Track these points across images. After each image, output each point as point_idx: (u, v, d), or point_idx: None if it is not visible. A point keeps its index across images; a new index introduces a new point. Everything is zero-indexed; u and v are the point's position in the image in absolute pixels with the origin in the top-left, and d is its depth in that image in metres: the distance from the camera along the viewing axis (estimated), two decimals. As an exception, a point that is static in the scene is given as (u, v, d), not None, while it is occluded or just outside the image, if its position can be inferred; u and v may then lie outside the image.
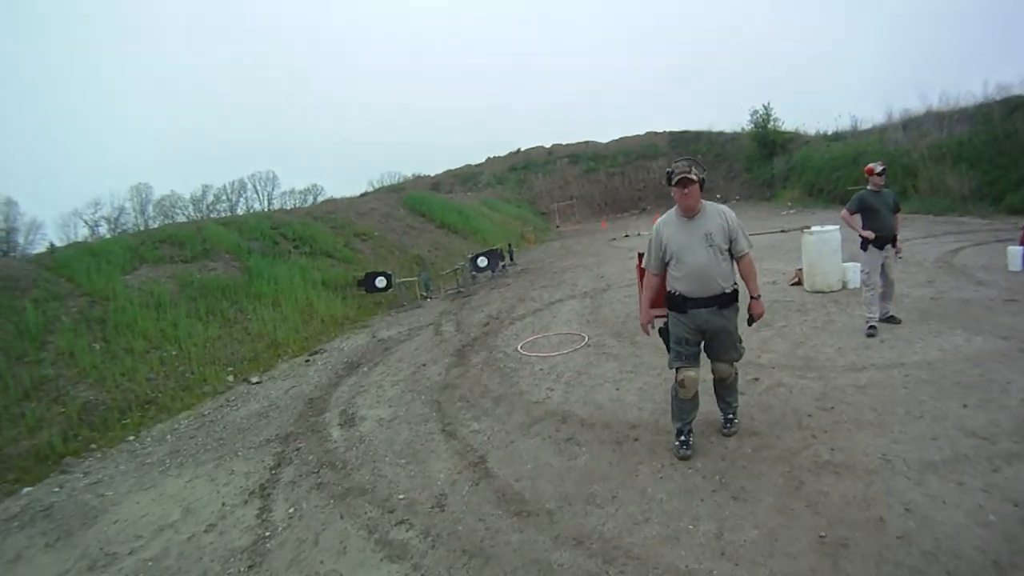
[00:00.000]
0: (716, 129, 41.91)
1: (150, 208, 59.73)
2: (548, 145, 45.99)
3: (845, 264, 9.61)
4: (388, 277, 14.70)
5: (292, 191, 68.12)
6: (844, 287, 9.62)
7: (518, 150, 46.85)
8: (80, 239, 28.67)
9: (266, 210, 47.18)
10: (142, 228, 23.62)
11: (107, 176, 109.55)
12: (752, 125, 36.13)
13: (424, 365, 8.80)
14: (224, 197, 64.72)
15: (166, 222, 42.03)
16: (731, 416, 5.02)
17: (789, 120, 36.93)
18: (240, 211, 57.61)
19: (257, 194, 66.87)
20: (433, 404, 7.03)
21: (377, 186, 50.32)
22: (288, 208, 31.49)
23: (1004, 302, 7.76)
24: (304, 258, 15.92)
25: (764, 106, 35.31)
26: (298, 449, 6.27)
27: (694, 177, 4.35)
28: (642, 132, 44.42)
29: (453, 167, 47.54)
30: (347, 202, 24.84)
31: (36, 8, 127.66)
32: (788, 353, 6.89)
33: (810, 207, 25.71)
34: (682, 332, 4.59)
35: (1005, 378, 5.34)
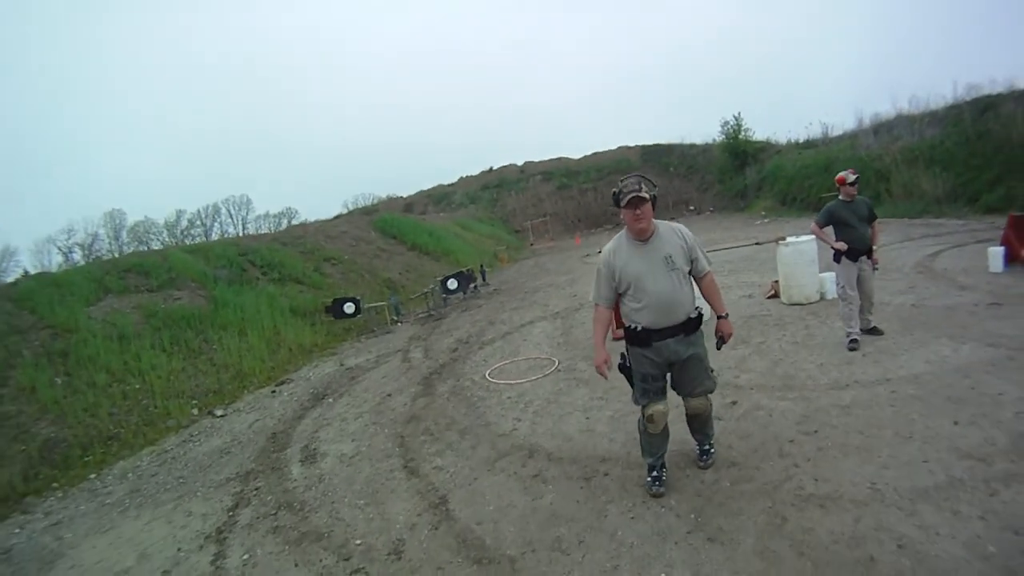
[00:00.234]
0: (688, 141, 42.04)
1: (124, 234, 58.97)
2: (520, 163, 46.06)
3: (822, 275, 9.29)
4: (356, 302, 14.28)
5: (267, 215, 67.55)
6: (822, 298, 9.30)
7: (491, 169, 46.85)
8: (54, 266, 28.11)
9: (240, 235, 46.82)
10: (117, 255, 23.04)
11: (80, 203, 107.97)
12: (723, 136, 36.14)
13: (390, 395, 8.45)
14: (198, 222, 64.04)
15: (140, 248, 41.45)
16: (708, 447, 4.62)
17: (760, 130, 37.24)
18: (215, 235, 57.13)
19: (231, 218, 66.24)
20: (396, 438, 6.66)
21: (352, 208, 50.10)
22: (258, 233, 31.01)
23: (988, 306, 7.47)
24: (272, 285, 15.56)
25: (735, 116, 35.39)
26: (257, 489, 5.99)
27: (646, 195, 3.89)
28: (614, 147, 44.57)
29: (426, 187, 47.38)
30: (317, 226, 24.45)
31: (10, 35, 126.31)
32: (767, 372, 6.51)
33: (784, 216, 25.61)
34: (647, 368, 4.15)
35: (996, 389, 5.01)
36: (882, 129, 24.95)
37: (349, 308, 14.19)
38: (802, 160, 28.72)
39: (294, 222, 53.02)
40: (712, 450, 4.62)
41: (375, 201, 50.42)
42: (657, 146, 42.84)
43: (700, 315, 4.19)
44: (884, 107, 31.41)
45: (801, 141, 33.53)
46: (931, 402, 5.00)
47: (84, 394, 9.09)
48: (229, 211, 66.49)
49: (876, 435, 4.58)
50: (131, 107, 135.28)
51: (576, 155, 45.29)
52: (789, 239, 9.64)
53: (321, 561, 4.40)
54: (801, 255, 9.19)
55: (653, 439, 4.32)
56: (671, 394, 4.29)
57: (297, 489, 5.78)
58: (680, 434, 4.71)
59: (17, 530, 6.08)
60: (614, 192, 4.01)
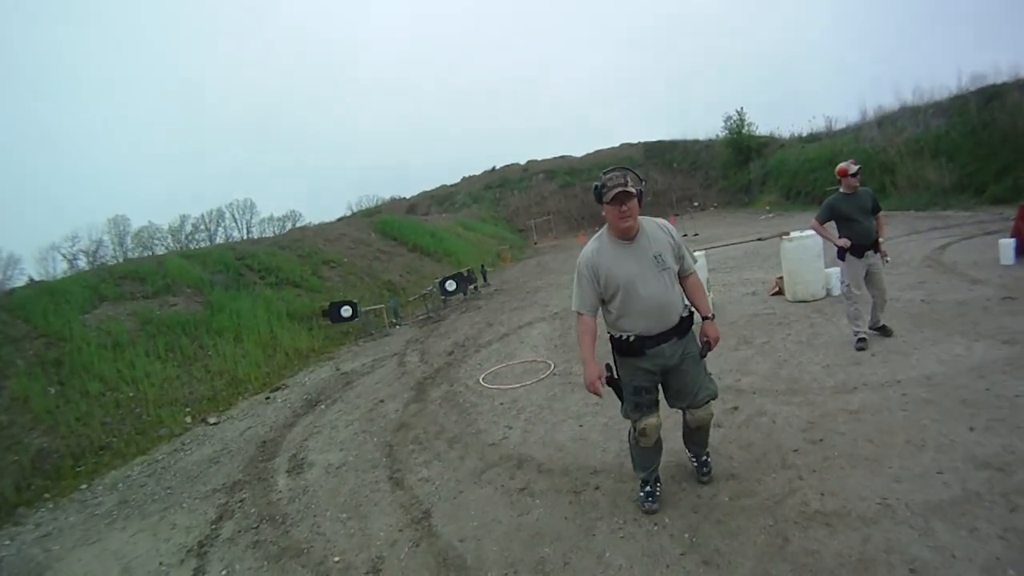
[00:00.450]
0: (691, 137, 41.68)
1: (128, 240, 58.92)
2: (523, 162, 45.73)
3: (827, 270, 8.98)
4: (353, 306, 14.04)
5: (271, 218, 67.33)
6: (828, 294, 8.99)
7: (493, 168, 46.58)
8: (59, 273, 28.05)
9: (244, 238, 46.67)
10: (121, 261, 22.99)
11: (85, 209, 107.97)
12: (726, 131, 35.80)
13: (382, 401, 8.23)
14: (202, 226, 63.90)
15: (145, 254, 41.34)
16: (706, 459, 4.29)
17: (763, 124, 36.86)
18: (219, 240, 57.12)
19: (235, 222, 66.02)
20: (385, 447, 6.44)
21: (355, 209, 49.90)
22: (256, 238, 30.86)
23: (1001, 300, 7.15)
24: (269, 289, 15.32)
25: (737, 111, 35.06)
26: (242, 501, 5.83)
27: (633, 190, 3.53)
28: (617, 144, 44.25)
29: (429, 188, 47.16)
30: (316, 229, 24.24)
31: (13, 38, 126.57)
32: (771, 374, 6.19)
33: (789, 210, 25.27)
34: (640, 380, 3.79)
35: (1013, 391, 4.69)
36: (886, 121, 24.62)
37: (346, 312, 13.96)
38: (806, 154, 28.47)
39: (298, 225, 52.92)
40: (710, 460, 4.31)
41: (378, 203, 50.26)
42: (660, 143, 42.53)
43: (691, 313, 3.88)
44: (888, 99, 31.02)
45: (804, 135, 33.21)
46: (944, 406, 4.69)
47: (77, 403, 8.97)
48: (233, 215, 66.35)
49: (886, 443, 4.27)
50: (135, 113, 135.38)
51: (579, 153, 45.05)
52: (793, 234, 9.32)
53: (299, 579, 4.18)
54: (806, 250, 8.87)
55: (646, 452, 4.02)
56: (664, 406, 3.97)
57: (281, 501, 5.61)
58: (676, 443, 4.43)
59: (8, 542, 6.02)
60: (596, 186, 3.66)
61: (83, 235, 56.62)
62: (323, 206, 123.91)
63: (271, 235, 34.87)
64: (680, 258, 3.78)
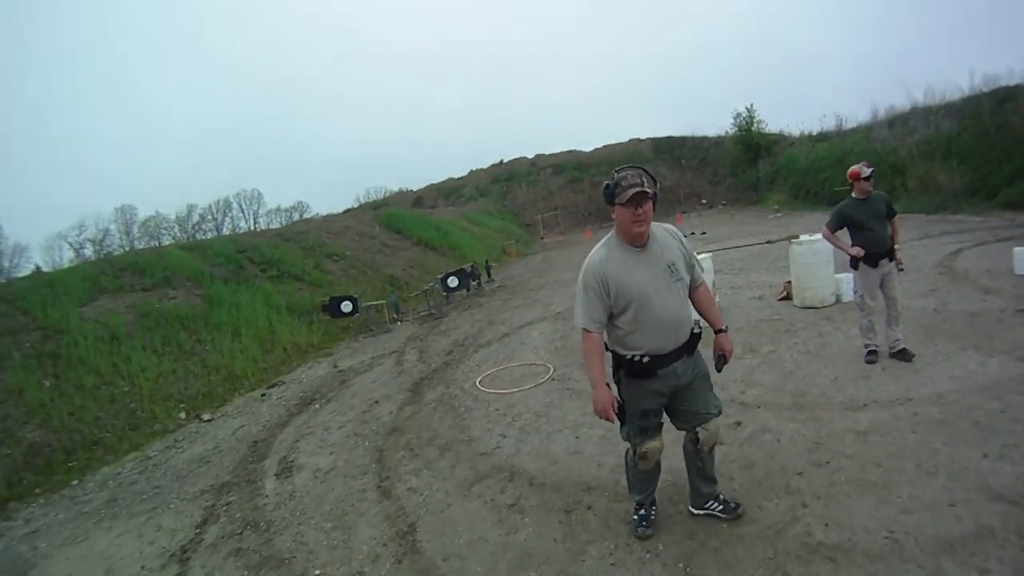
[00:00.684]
0: (700, 134, 41.22)
1: (135, 230, 58.95)
2: (531, 156, 45.31)
3: (838, 276, 8.72)
4: (354, 301, 13.83)
5: (278, 209, 67.27)
6: (838, 301, 8.74)
7: (501, 162, 46.15)
8: (65, 262, 28.06)
9: (252, 229, 46.59)
10: (127, 250, 22.93)
11: (92, 198, 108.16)
12: (736, 128, 35.40)
13: (377, 402, 8.08)
14: (210, 216, 63.85)
15: (151, 243, 41.29)
16: (723, 496, 3.91)
17: (773, 122, 36.24)
18: (226, 230, 57.04)
19: (243, 212, 66.05)
20: (375, 452, 6.29)
21: (363, 202, 49.63)
22: (259, 229, 30.76)
23: (1016, 313, 6.89)
24: (269, 282, 15.14)
25: (747, 108, 34.63)
26: (228, 504, 5.72)
27: (649, 191, 3.20)
28: (625, 139, 43.81)
29: (436, 181, 46.88)
30: (320, 221, 24.08)
31: (21, 29, 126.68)
32: (776, 387, 5.96)
33: (797, 210, 24.95)
34: (650, 403, 3.49)
35: (1029, 414, 4.45)
36: (897, 121, 24.20)
37: (347, 307, 13.76)
38: (816, 153, 28.14)
39: (305, 216, 52.81)
40: (723, 495, 3.93)
41: (386, 195, 50.01)
42: (669, 138, 42.02)
43: (701, 329, 3.59)
44: (899, 99, 30.52)
45: (814, 133, 32.77)
46: (957, 428, 4.47)
47: (71, 397, 8.89)
48: (240, 205, 66.36)
49: (896, 468, 4.05)
50: (143, 102, 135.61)
51: (587, 148, 44.61)
52: (803, 237, 9.08)
53: (276, 591, 4.09)
54: (815, 255, 8.60)
55: (645, 475, 3.79)
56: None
57: (267, 507, 5.50)
58: (673, 461, 4.21)
59: (-2, 536, 5.93)
60: (607, 185, 3.30)
61: (90, 224, 56.75)
62: (331, 197, 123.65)
63: (277, 226, 34.77)
64: (691, 267, 3.52)
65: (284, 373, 11.09)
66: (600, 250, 3.46)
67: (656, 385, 3.43)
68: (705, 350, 3.56)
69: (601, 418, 3.40)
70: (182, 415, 9.17)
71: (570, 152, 44.50)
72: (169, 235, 56.95)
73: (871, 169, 6.00)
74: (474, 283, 17.34)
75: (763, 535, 3.59)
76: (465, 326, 12.44)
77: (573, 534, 4.02)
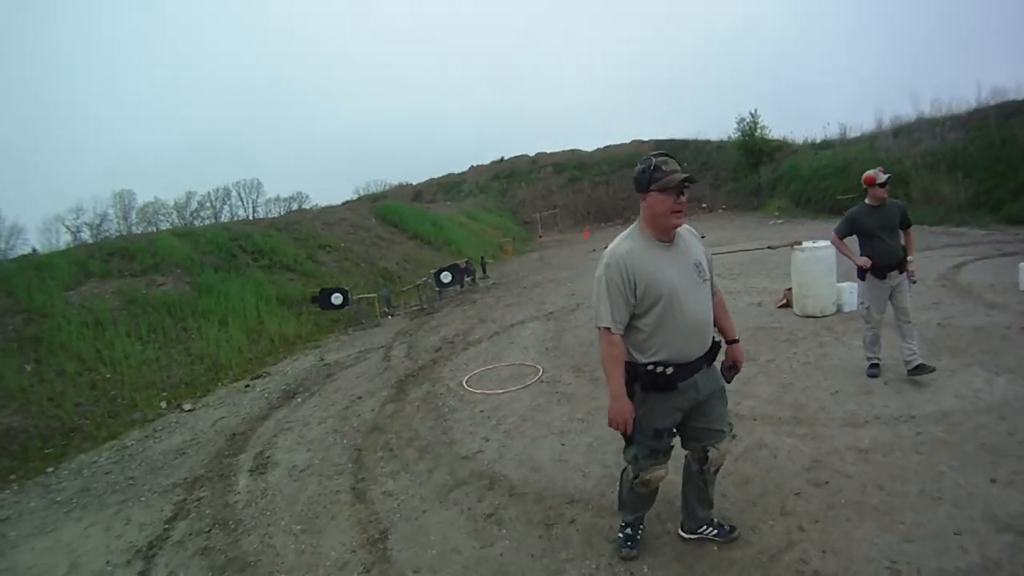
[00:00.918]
0: (703, 137, 40.98)
1: (133, 215, 58.60)
2: (532, 154, 45.13)
3: (840, 285, 8.50)
4: (344, 294, 13.60)
5: (277, 198, 66.69)
6: (839, 310, 8.51)
7: (502, 159, 45.95)
8: (62, 245, 27.87)
9: (251, 217, 46.38)
10: (124, 235, 22.72)
11: (90, 182, 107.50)
12: (739, 133, 35.14)
13: (360, 398, 7.85)
14: (208, 204, 63.42)
15: (149, 229, 40.99)
16: (718, 521, 3.64)
17: (776, 128, 36.01)
18: (224, 218, 56.71)
19: (242, 201, 65.48)
20: (353, 451, 6.05)
21: (362, 193, 49.36)
22: (253, 219, 30.54)
23: (1022, 331, 6.67)
24: (260, 272, 14.89)
25: (751, 113, 34.32)
26: (199, 500, 5.53)
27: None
28: (627, 140, 43.54)
29: (436, 175, 46.69)
30: (315, 212, 23.85)
31: (19, 11, 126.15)
32: (774, 399, 5.71)
33: (798, 217, 24.76)
34: (666, 421, 3.14)
35: (1037, 437, 4.22)
36: (902, 131, 24.03)
37: (337, 299, 13.54)
38: (819, 160, 27.87)
39: (304, 206, 52.54)
40: (717, 521, 3.66)
41: (385, 188, 49.79)
42: (671, 141, 41.77)
43: (720, 338, 3.31)
44: (904, 109, 30.38)
45: (818, 141, 32.59)
46: (963, 450, 4.22)
47: (52, 383, 8.71)
48: (240, 194, 65.80)
49: (898, 492, 3.80)
50: (143, 86, 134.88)
51: (589, 148, 44.41)
52: (806, 244, 8.83)
53: (239, 596, 3.93)
54: (818, 262, 8.38)
55: (641, 499, 3.48)
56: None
57: (238, 504, 5.29)
58: (668, 477, 3.95)
59: (-32, 524, 5.75)
60: (642, 169, 2.99)
61: (88, 208, 56.46)
62: (330, 189, 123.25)
63: (276, 215, 34.50)
64: (712, 270, 3.23)
65: (270, 364, 10.87)
66: (624, 242, 3.07)
67: (676, 400, 3.09)
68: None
69: (621, 431, 3.09)
70: (163, 404, 8.95)
71: (571, 151, 44.32)
72: (167, 221, 56.57)
73: (887, 175, 5.65)
74: (468, 279, 17.09)
75: (756, 561, 3.33)
76: (456, 323, 12.21)
77: (552, 550, 3.76)
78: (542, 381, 7.36)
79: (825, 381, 5.99)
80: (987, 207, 17.11)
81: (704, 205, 35.00)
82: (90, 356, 9.55)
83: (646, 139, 42.95)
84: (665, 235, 3.04)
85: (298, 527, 4.66)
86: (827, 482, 4.04)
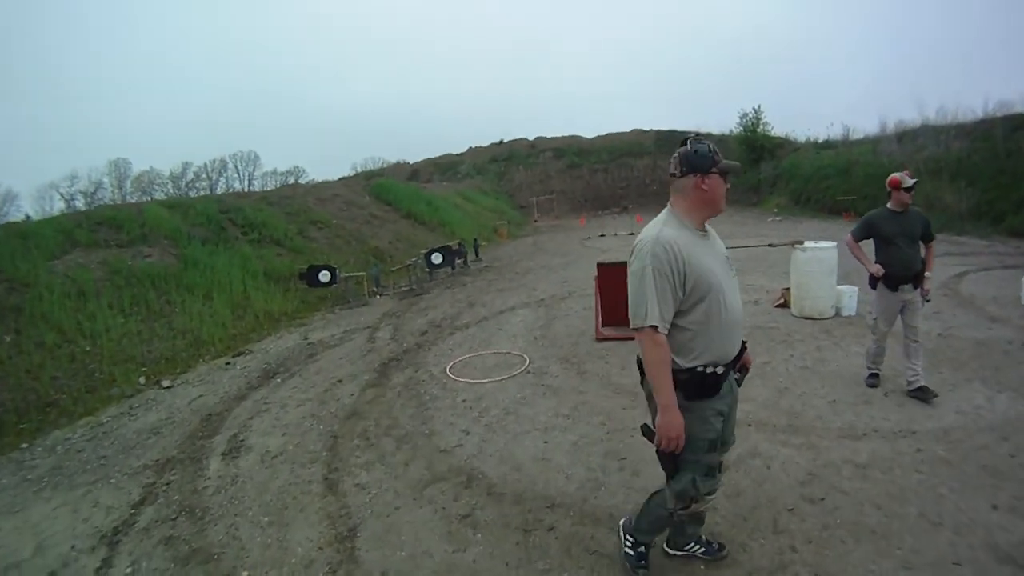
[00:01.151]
0: (704, 130, 40.74)
1: (128, 184, 58.30)
2: (532, 138, 44.87)
3: (840, 287, 8.30)
4: (332, 271, 13.29)
5: (274, 172, 66.54)
6: (837, 314, 8.31)
7: (501, 141, 45.71)
8: (56, 212, 27.73)
9: (246, 190, 46.08)
10: (112, 203, 22.46)
11: (86, 149, 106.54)
12: (741, 128, 34.95)
13: (340, 381, 7.59)
14: (204, 175, 63.13)
15: (144, 199, 40.65)
16: (707, 539, 3.40)
17: (779, 125, 35.90)
18: (220, 190, 56.55)
19: (238, 173, 65.34)
20: (329, 439, 5.79)
21: (359, 170, 49.16)
22: (246, 191, 30.25)
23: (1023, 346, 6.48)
24: (249, 246, 14.55)
25: (754, 109, 34.17)
26: (169, 483, 5.28)
27: None
28: (628, 129, 43.33)
29: (434, 155, 46.45)
30: (308, 186, 23.51)
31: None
32: (770, 404, 5.50)
33: (797, 215, 24.72)
34: (716, 428, 2.78)
35: (1041, 461, 4.03)
36: (906, 137, 23.96)
37: (324, 276, 13.22)
38: (820, 160, 27.85)
39: (301, 181, 52.28)
40: (706, 538, 3.42)
41: (383, 165, 49.56)
42: (673, 132, 41.54)
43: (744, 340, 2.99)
44: (909, 115, 30.15)
45: (820, 141, 32.54)
46: (964, 470, 4.03)
47: (30, 355, 8.41)
48: (236, 166, 65.68)
49: (897, 514, 3.60)
50: (141, 52, 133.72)
51: (589, 134, 44.17)
52: (807, 243, 8.62)
53: (200, 590, 3.72)
54: (819, 263, 8.17)
55: (670, 525, 3.22)
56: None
57: (207, 490, 5.05)
58: (650, 483, 3.73)
59: (-63, 500, 5.59)
60: (707, 149, 2.76)
61: (83, 176, 56.19)
62: (328, 165, 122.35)
63: (272, 189, 34.22)
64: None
65: (253, 341, 10.58)
66: (665, 228, 2.69)
67: (719, 404, 2.77)
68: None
69: (673, 448, 2.65)
70: (142, 380, 8.67)
71: (572, 137, 44.10)
72: (162, 191, 56.59)
73: (914, 180, 5.32)
74: (459, 261, 16.84)
75: (745, 582, 3.11)
76: (445, 305, 11.97)
77: (529, 559, 3.53)
78: (528, 372, 7.14)
79: (822, 388, 5.79)
80: (989, 217, 17.01)
81: (702, 199, 34.86)
82: (70, 328, 9.26)
83: (647, 128, 42.81)
84: (703, 224, 2.81)
85: (266, 519, 4.44)
86: (822, 498, 3.84)
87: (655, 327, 2.55)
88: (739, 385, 2.98)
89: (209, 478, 5.28)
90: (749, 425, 5.04)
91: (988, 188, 17.67)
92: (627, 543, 3.28)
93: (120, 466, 5.78)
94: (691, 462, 2.76)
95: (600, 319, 8.33)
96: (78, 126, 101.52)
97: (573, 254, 18.26)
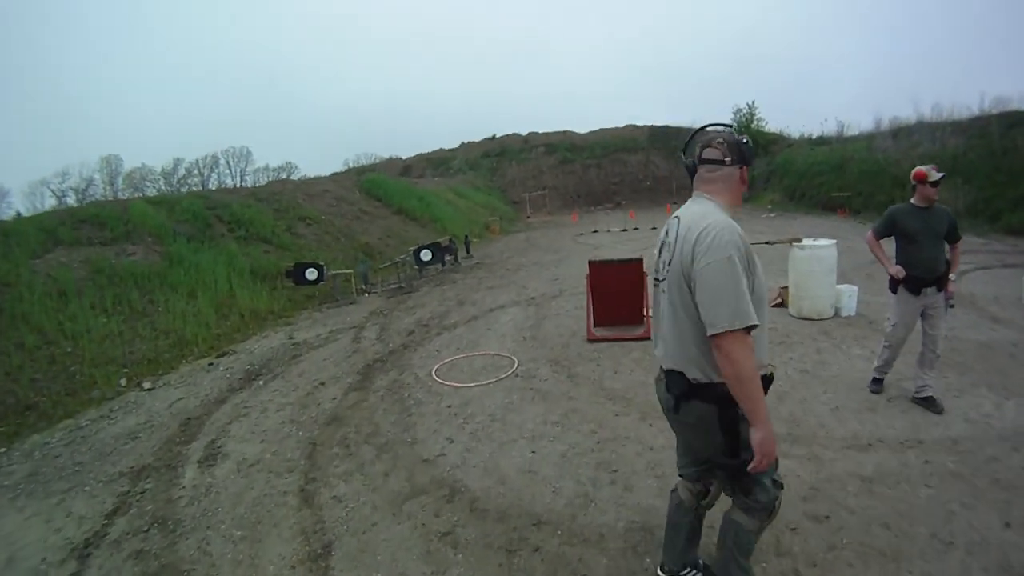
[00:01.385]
0: (698, 125, 40.65)
1: (120, 180, 57.98)
2: (524, 133, 44.57)
3: (839, 287, 8.07)
4: (320, 269, 13.01)
5: (266, 167, 66.22)
6: (837, 314, 8.08)
7: (493, 136, 45.38)
8: (47, 208, 27.52)
9: (238, 186, 45.80)
10: (97, 200, 22.17)
11: (77, 146, 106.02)
12: (735, 124, 34.82)
13: (323, 384, 7.36)
14: (196, 171, 62.77)
15: (135, 195, 40.41)
16: (699, 560, 3.13)
17: (773, 121, 35.86)
18: (212, 186, 56.21)
19: (230, 170, 65.02)
20: (307, 446, 5.57)
21: (352, 166, 48.91)
22: (233, 188, 29.96)
23: (1029, 348, 6.29)
24: (236, 243, 14.26)
25: (748, 104, 34.08)
26: (143, 493, 5.08)
27: None
28: (621, 125, 43.14)
29: (426, 151, 46.17)
30: (297, 182, 23.18)
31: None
32: (769, 409, 5.21)
33: (791, 211, 24.61)
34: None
35: (1053, 473, 3.81)
36: (901, 133, 23.88)
37: (311, 274, 12.94)
38: (814, 156, 27.82)
39: (293, 177, 52.05)
40: (703, 563, 3.13)
41: (375, 161, 49.28)
42: (666, 128, 41.42)
43: None
44: (904, 112, 30.16)
45: (814, 137, 32.44)
46: (975, 484, 3.81)
47: (10, 356, 8.19)
48: (228, 162, 65.36)
49: (906, 533, 3.37)
50: (135, 50, 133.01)
51: (582, 130, 43.94)
52: (806, 241, 8.39)
53: (166, 611, 3.59)
54: (819, 262, 7.93)
55: (687, 547, 2.99)
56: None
57: (180, 501, 4.84)
58: (644, 498, 3.48)
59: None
60: (746, 140, 2.70)
61: (74, 172, 55.89)
62: (320, 161, 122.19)
63: (262, 185, 33.97)
64: None
65: (237, 341, 10.32)
66: (725, 218, 2.40)
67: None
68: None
69: (769, 463, 2.38)
70: (123, 382, 8.43)
71: (564, 133, 43.85)
72: (154, 187, 56.29)
73: (941, 174, 4.94)
74: (449, 258, 16.62)
75: (747, 611, 2.87)
76: (433, 304, 11.73)
77: (511, 583, 3.28)
78: (517, 375, 6.90)
79: (824, 394, 5.56)
80: (985, 215, 16.86)
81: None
82: (51, 329, 9.04)
83: (640, 124, 42.61)
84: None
85: (239, 533, 4.22)
86: (827, 517, 3.60)
87: (744, 329, 2.21)
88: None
89: (184, 487, 5.07)
90: (748, 434, 4.79)
91: (984, 186, 17.54)
92: None
93: (96, 473, 5.60)
94: (768, 475, 2.58)
95: (592, 319, 8.08)
96: (70, 123, 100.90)
97: (565, 251, 18.06)
